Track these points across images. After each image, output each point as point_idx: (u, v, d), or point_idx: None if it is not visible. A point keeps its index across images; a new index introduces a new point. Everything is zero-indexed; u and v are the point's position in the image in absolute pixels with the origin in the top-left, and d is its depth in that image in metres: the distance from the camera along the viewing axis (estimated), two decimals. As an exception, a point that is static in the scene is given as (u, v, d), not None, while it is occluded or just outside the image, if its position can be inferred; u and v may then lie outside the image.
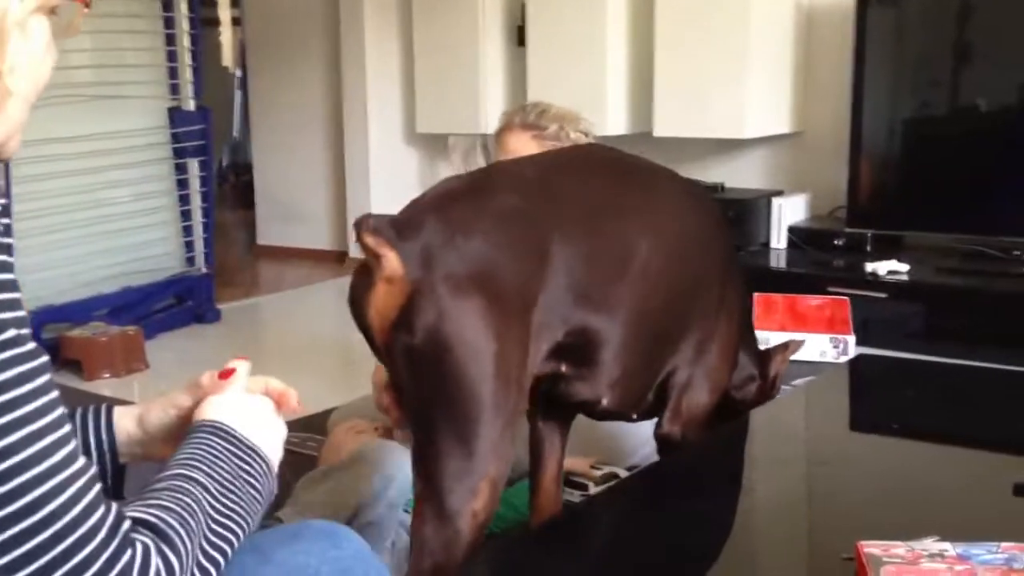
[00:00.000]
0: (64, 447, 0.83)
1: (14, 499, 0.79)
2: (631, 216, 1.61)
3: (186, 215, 4.49)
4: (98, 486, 0.85)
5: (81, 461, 0.84)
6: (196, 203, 4.49)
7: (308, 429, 3.03)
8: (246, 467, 1.02)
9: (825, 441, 1.88)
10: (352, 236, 5.05)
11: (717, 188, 4.35)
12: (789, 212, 4.18)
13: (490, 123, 5.07)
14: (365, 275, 1.38)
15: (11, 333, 0.81)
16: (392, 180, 5.51)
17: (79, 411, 1.15)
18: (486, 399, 1.33)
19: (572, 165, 1.68)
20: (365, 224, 1.33)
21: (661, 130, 4.39)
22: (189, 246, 4.49)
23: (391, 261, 1.33)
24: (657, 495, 1.62)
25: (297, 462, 2.82)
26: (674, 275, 1.66)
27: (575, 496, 2.29)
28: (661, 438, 1.79)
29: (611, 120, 4.57)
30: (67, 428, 0.84)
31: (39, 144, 3.85)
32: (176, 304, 4.42)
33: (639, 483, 1.80)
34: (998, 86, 3.78)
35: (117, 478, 1.15)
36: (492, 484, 1.36)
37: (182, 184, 4.47)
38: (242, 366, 1.14)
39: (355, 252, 5.51)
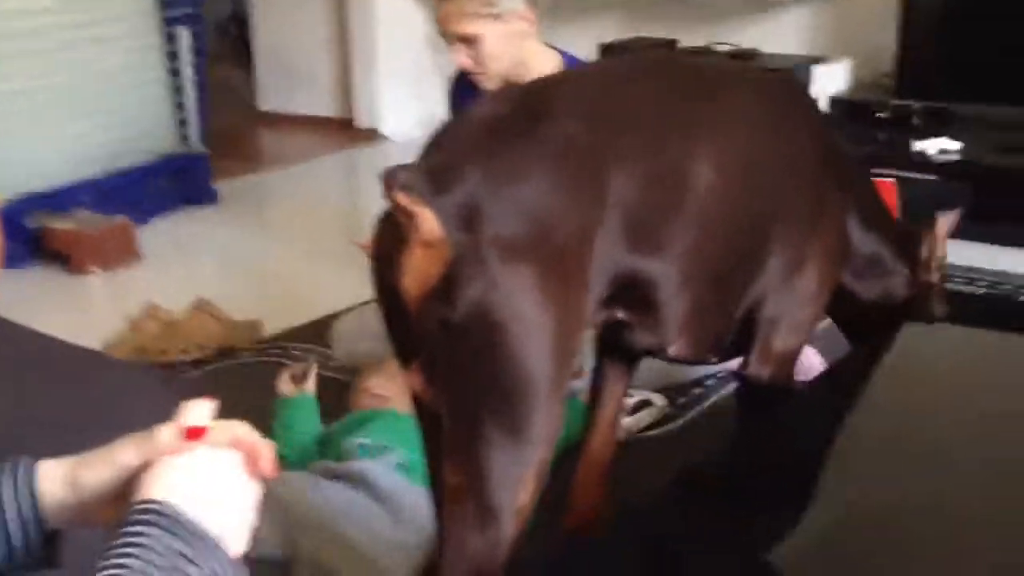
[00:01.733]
0: None
1: None
2: (695, 137, 1.39)
3: (177, 89, 4.17)
4: None
5: None
6: (188, 75, 4.17)
7: (310, 339, 2.83)
8: (196, 569, 0.80)
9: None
10: (358, 104, 4.72)
11: (750, 54, 4.01)
12: (830, 82, 3.83)
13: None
14: (394, 230, 1.15)
15: None
16: (400, 42, 5.13)
17: None
18: (543, 380, 1.15)
19: (636, 79, 1.44)
20: (395, 179, 1.10)
21: (690, -12, 4.02)
22: (182, 123, 4.19)
23: (428, 222, 1.11)
24: (725, 499, 1.37)
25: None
26: (745, 198, 1.44)
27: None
28: (746, 379, 1.59)
29: (635, -23, 4.19)
30: None
31: (11, 16, 3.55)
32: (169, 186, 4.14)
33: (706, 476, 1.53)
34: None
35: (49, 545, 0.92)
36: (540, 471, 1.19)
37: (172, 55, 4.14)
38: (203, 409, 0.89)
39: (361, 121, 5.20)
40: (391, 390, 2.06)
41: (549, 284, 1.13)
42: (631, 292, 1.35)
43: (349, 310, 2.70)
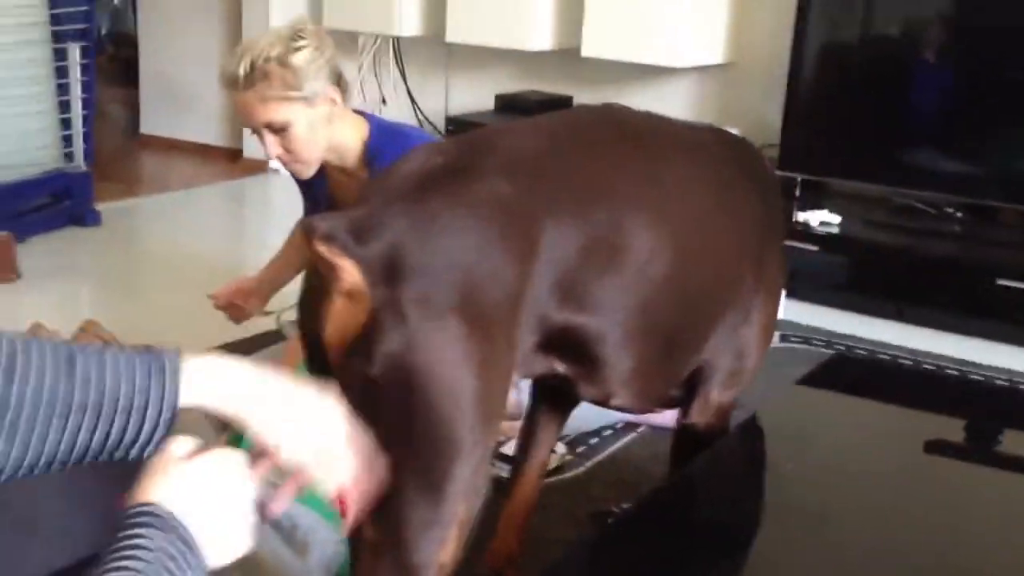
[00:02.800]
0: None
1: None
2: (638, 201, 1.39)
3: (65, 106, 4.05)
4: None
5: None
6: (76, 92, 4.06)
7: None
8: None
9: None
10: (248, 136, 4.59)
11: (644, 117, 4.15)
12: (718, 149, 3.99)
13: (404, 24, 4.74)
14: (320, 279, 1.14)
15: None
16: (293, 76, 5.11)
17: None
18: (461, 440, 1.12)
19: (579, 135, 1.43)
20: (316, 229, 1.09)
21: (589, 50, 4.14)
22: (67, 140, 4.07)
23: (349, 274, 1.09)
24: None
25: (193, 413, 2.58)
26: (689, 266, 1.45)
27: (505, 471, 2.12)
28: (684, 428, 1.62)
29: (536, 34, 4.29)
30: None
31: None
32: (52, 204, 4.01)
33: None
34: (960, 29, 3.61)
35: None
36: (462, 528, 1.18)
37: (61, 72, 4.02)
38: (183, 444, 0.91)
39: (250, 152, 5.14)
40: None
41: (471, 342, 1.12)
42: (568, 347, 1.36)
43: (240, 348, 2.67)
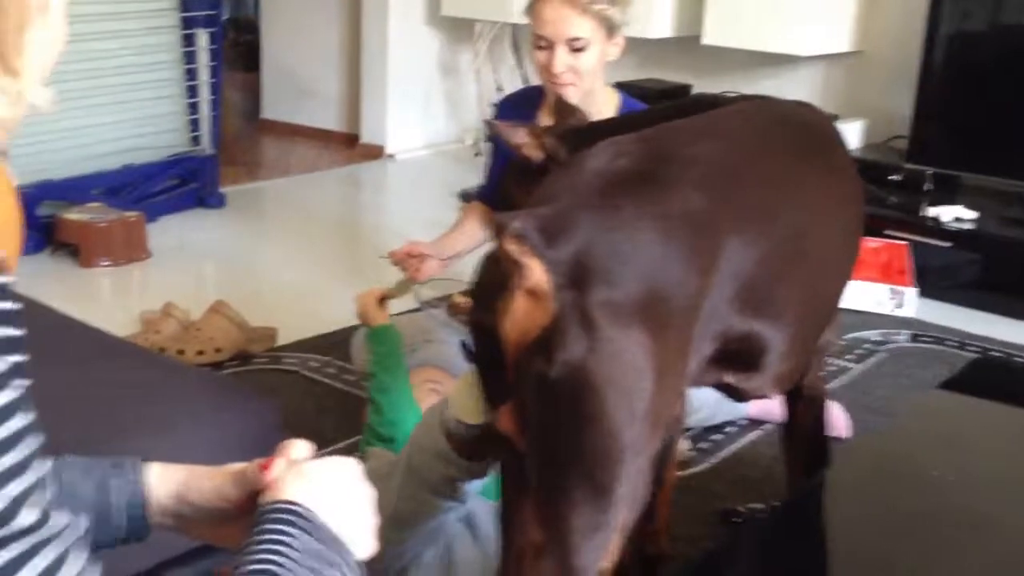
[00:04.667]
0: None
1: None
2: (810, 207, 1.42)
3: (192, 91, 4.14)
4: None
5: None
6: (204, 78, 4.15)
7: (326, 351, 2.81)
8: (332, 570, 0.82)
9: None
10: (365, 121, 4.70)
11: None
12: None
13: (519, 11, 4.72)
14: (499, 272, 1.13)
15: None
16: (411, 63, 5.15)
17: (110, 465, 0.96)
18: (630, 445, 1.11)
19: (759, 141, 1.44)
20: (508, 228, 1.08)
21: (710, 37, 4.07)
22: (194, 124, 4.17)
23: (537, 274, 1.08)
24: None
25: (320, 392, 2.62)
26: (839, 263, 1.54)
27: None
28: (803, 393, 1.72)
29: (656, 22, 4.24)
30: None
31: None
32: (179, 185, 4.12)
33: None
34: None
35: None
36: (623, 533, 1.17)
37: (189, 57, 4.11)
38: (301, 448, 0.92)
39: (367, 137, 5.20)
40: (448, 386, 2.04)
41: (651, 352, 1.11)
42: (741, 355, 1.37)
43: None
